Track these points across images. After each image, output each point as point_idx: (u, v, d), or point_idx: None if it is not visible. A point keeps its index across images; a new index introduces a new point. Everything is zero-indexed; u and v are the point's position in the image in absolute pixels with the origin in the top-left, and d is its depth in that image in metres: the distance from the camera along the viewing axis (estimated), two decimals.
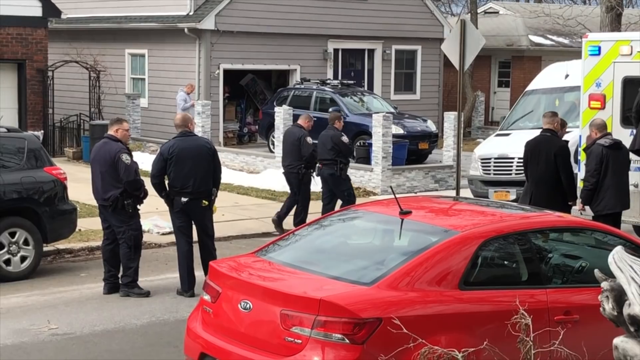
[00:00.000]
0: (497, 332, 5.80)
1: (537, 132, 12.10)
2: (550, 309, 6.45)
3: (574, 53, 24.24)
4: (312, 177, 14.87)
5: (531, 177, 11.62)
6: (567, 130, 12.57)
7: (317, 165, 14.70)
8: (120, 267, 10.73)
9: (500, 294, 6.40)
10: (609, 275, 4.38)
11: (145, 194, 10.68)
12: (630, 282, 4.16)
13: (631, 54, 12.53)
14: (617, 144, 11.36)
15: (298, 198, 14.76)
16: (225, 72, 25.61)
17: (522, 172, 12.21)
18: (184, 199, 10.51)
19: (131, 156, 10.58)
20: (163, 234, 13.95)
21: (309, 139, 14.53)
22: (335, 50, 27.56)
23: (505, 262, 6.97)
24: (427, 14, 29.07)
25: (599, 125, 11.47)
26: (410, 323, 5.81)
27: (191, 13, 25.07)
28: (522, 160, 12.10)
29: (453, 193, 16.35)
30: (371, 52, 28.49)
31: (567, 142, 12.00)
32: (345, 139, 14.79)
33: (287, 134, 15.11)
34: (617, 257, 4.30)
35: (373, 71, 28.60)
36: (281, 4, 25.75)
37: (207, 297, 6.70)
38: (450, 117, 20.59)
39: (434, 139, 23.45)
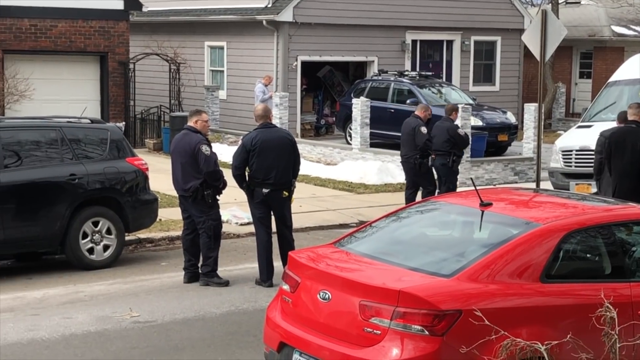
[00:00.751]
0: (579, 325, 5.72)
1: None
2: (634, 303, 6.33)
3: None
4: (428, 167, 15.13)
5: (615, 170, 11.41)
6: None
7: (431, 155, 14.94)
8: (199, 256, 10.87)
9: (582, 287, 6.30)
10: None
11: (225, 185, 10.79)
12: None
13: None
14: None
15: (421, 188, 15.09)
16: (303, 64, 25.68)
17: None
18: (265, 190, 10.58)
19: (211, 147, 10.69)
20: (242, 225, 14.08)
21: (424, 129, 14.80)
22: (413, 42, 27.40)
23: (588, 255, 6.85)
24: (506, 4, 28.69)
25: None
26: (491, 315, 5.75)
27: (269, 5, 25.20)
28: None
29: (533, 185, 16.14)
30: (450, 43, 28.25)
31: None
32: (461, 131, 15.12)
33: (404, 125, 15.40)
34: None
35: (451, 62, 28.36)
36: None
37: (286, 287, 6.74)
38: (530, 109, 20.31)
39: (514, 130, 23.16)
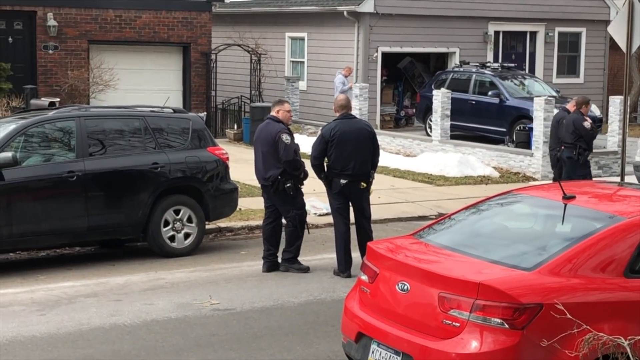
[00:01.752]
0: None
1: None
2: None
3: None
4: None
5: None
6: None
7: (561, 147, 15.23)
8: (279, 246, 10.94)
9: None
10: None
11: (306, 175, 10.83)
12: None
13: None
14: None
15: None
16: (383, 55, 25.60)
17: None
18: (343, 181, 10.58)
19: (292, 137, 10.74)
20: (320, 215, 14.12)
21: (565, 122, 15.12)
22: (496, 33, 27.08)
23: None
24: None
25: None
26: (573, 310, 5.66)
27: None
28: None
29: (617, 179, 15.82)
30: (533, 34, 27.83)
31: None
32: (587, 124, 15.11)
33: (554, 117, 15.67)
34: None
35: (535, 54, 27.94)
36: None
37: (364, 278, 6.73)
38: (615, 102, 19.90)
39: (598, 123, 22.69)
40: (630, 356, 4.88)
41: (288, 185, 10.62)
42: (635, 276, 6.12)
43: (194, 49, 23.63)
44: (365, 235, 10.66)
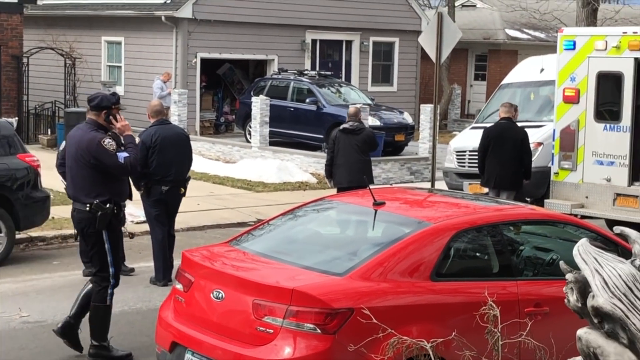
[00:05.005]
0: (467, 323, 5.83)
1: None
2: (521, 301, 6.49)
3: (549, 47, 24.35)
4: None
5: (494, 162, 12.84)
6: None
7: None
8: None
9: (471, 285, 6.42)
10: (575, 267, 4.41)
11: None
12: (594, 274, 4.19)
13: (606, 49, 12.60)
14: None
15: None
16: (203, 61, 25.52)
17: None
18: (164, 188, 10.48)
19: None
20: (137, 223, 13.89)
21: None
22: (313, 41, 27.54)
23: (477, 254, 7.00)
24: (405, 6, 29.10)
25: None
26: (383, 313, 5.82)
27: (168, 1, 24.97)
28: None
29: (428, 185, 16.40)
30: (349, 43, 28.48)
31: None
32: None
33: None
34: (582, 250, 4.33)
35: (350, 62, 28.61)
36: None
37: (179, 286, 6.69)
38: (426, 110, 20.64)
39: (410, 131, 23.50)
40: (432, 358, 5.08)
41: None
42: (441, 279, 6.37)
43: (5, 52, 22.72)
44: (172, 239, 10.77)
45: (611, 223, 12.83)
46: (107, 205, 7.87)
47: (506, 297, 6.36)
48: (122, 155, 7.93)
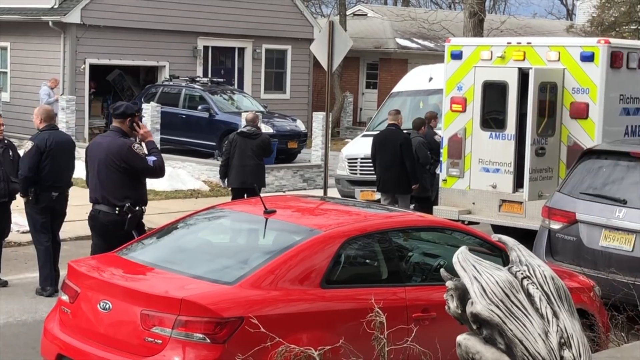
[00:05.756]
0: (357, 329, 5.87)
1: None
2: (409, 307, 6.57)
3: (438, 56, 24.83)
4: None
5: (379, 165, 13.46)
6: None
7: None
8: None
9: (361, 292, 6.46)
10: (456, 274, 4.50)
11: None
12: (472, 281, 4.29)
13: (491, 59, 12.90)
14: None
15: None
16: (92, 67, 25.09)
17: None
18: (54, 194, 10.25)
19: None
20: (23, 233, 13.51)
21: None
22: (205, 48, 27.39)
23: (367, 261, 7.07)
24: (297, 14, 29.23)
25: None
26: (273, 322, 5.82)
27: (56, 6, 24.45)
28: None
29: (321, 192, 16.49)
30: (241, 50, 28.44)
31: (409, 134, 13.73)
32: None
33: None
34: (461, 257, 4.42)
35: (243, 70, 28.56)
36: None
37: (65, 298, 6.54)
38: (319, 117, 20.76)
39: (303, 138, 23.60)
40: None
41: None
42: (332, 286, 6.40)
43: None
44: (58, 246, 10.57)
45: (497, 229, 13.16)
46: (137, 208, 8.51)
47: (395, 302, 6.44)
48: (151, 159, 8.56)
